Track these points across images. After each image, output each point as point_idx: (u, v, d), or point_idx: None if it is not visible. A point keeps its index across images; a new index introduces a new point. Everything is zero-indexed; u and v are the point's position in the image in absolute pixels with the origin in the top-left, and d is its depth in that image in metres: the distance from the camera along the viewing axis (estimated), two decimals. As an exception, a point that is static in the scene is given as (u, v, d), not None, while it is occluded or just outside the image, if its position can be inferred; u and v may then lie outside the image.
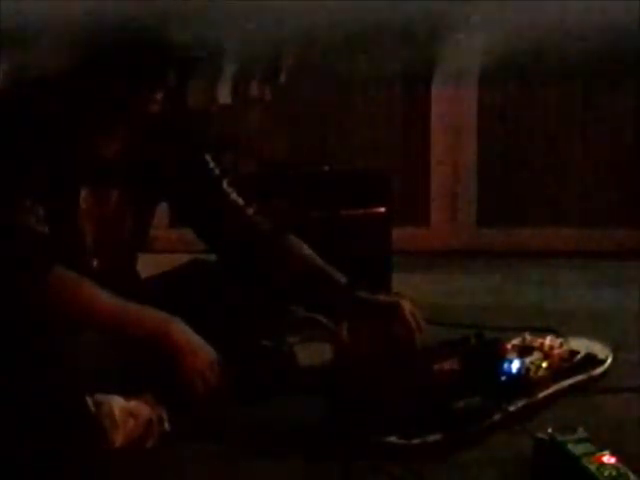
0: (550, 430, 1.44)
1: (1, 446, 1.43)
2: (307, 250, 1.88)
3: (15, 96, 1.73)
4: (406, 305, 1.82)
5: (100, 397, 1.52)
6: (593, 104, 3.36)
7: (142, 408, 1.55)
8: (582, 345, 1.92)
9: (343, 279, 1.84)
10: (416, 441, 1.52)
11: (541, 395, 1.72)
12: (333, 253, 1.88)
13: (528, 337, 1.89)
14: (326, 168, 2.57)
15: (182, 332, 1.64)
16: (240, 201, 1.88)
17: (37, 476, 1.43)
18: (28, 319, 1.56)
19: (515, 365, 1.71)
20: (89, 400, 1.51)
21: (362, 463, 1.47)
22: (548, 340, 1.88)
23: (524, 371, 1.72)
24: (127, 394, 1.56)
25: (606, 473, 1.34)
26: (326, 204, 2.45)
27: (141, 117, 1.72)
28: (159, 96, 1.69)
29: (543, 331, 2.01)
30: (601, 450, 1.39)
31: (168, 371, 1.61)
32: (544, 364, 1.78)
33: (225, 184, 1.88)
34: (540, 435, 1.46)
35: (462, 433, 1.56)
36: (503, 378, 1.69)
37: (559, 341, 1.90)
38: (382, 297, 1.87)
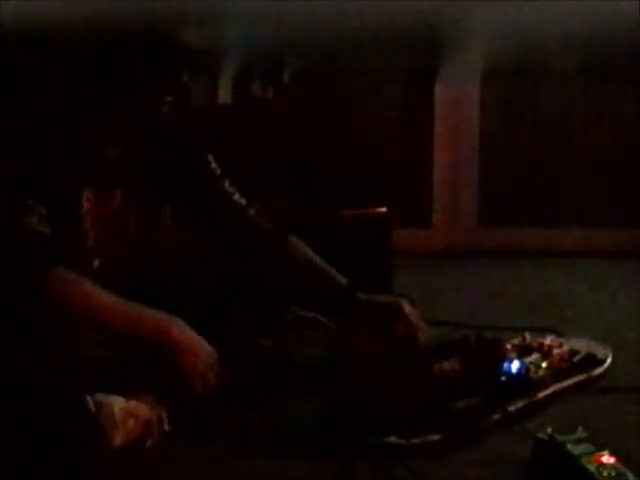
0: (550, 430, 1.45)
1: (1, 446, 1.43)
2: (307, 250, 1.88)
3: (19, 95, 1.73)
4: (406, 305, 1.82)
5: (100, 397, 1.52)
6: (594, 104, 3.36)
7: (142, 408, 1.55)
8: (582, 345, 1.92)
9: (343, 279, 1.85)
10: (416, 441, 1.52)
11: (541, 395, 1.72)
12: (334, 254, 1.88)
13: (528, 337, 1.90)
14: (327, 168, 2.57)
15: (182, 332, 1.64)
16: (241, 202, 1.88)
17: (37, 476, 1.43)
18: (28, 319, 1.56)
19: (515, 365, 1.71)
20: (89, 400, 1.51)
21: (362, 463, 1.48)
22: (548, 340, 1.88)
23: (524, 371, 1.72)
24: (127, 394, 1.56)
25: (605, 473, 1.34)
26: (326, 204, 2.45)
27: (143, 118, 1.72)
28: (162, 97, 1.69)
29: (543, 331, 2.02)
30: (601, 450, 1.39)
31: (168, 371, 1.62)
32: (544, 364, 1.78)
33: (226, 184, 1.88)
34: (540, 435, 1.46)
35: (462, 433, 1.56)
36: (503, 378, 1.69)
37: (559, 341, 1.90)
38: (382, 297, 1.87)
